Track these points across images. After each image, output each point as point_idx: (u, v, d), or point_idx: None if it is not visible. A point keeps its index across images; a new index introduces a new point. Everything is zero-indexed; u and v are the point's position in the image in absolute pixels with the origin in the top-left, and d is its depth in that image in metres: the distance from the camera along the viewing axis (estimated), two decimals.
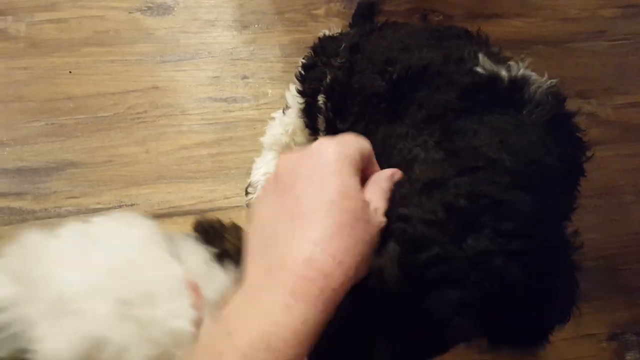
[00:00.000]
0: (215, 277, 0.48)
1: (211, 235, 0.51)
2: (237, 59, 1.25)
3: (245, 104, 1.19)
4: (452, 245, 0.39)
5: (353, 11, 1.01)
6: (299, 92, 0.89)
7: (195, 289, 0.45)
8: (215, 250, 0.50)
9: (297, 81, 0.90)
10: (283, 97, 1.15)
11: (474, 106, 0.51)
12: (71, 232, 0.47)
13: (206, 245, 0.50)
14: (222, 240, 0.51)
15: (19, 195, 1.04)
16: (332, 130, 0.81)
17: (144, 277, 0.44)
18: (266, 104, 1.19)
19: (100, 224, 0.48)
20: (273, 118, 1.08)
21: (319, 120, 0.85)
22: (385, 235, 0.40)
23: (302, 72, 0.89)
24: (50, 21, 1.24)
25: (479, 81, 0.54)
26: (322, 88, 0.82)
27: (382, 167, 0.44)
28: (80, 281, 0.42)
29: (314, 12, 1.35)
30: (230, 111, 1.18)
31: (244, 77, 1.23)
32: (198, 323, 0.43)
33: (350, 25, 1.00)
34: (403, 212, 0.41)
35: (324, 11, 1.35)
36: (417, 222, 0.40)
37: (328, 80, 0.80)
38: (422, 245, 0.39)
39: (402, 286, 0.40)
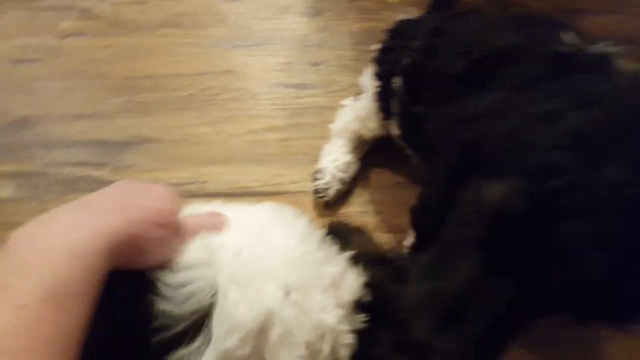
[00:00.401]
0: (349, 278, 0.55)
1: (340, 237, 0.59)
2: (309, 46, 1.33)
3: (315, 91, 1.26)
4: (584, 173, 0.38)
5: (428, 1, 1.06)
6: (376, 74, 0.95)
7: (337, 288, 0.53)
8: (348, 252, 0.57)
9: (373, 64, 0.96)
10: (352, 85, 1.21)
11: (559, 73, 0.53)
12: (243, 212, 0.57)
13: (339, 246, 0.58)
14: (349, 243, 0.58)
15: (99, 165, 1.16)
16: (406, 113, 0.87)
17: (305, 269, 0.52)
18: (335, 91, 1.26)
19: (269, 212, 0.58)
20: (343, 105, 1.14)
21: (393, 103, 0.90)
22: (492, 165, 0.41)
23: (380, 55, 0.95)
24: (131, 2, 1.37)
25: (564, 53, 0.56)
26: (398, 70, 0.88)
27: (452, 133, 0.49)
28: (258, 260, 0.51)
29: (388, 0, 1.41)
30: (300, 97, 1.26)
31: (315, 64, 1.30)
32: (341, 322, 0.51)
33: (428, 13, 1.05)
34: (524, 139, 0.41)
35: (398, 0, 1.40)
36: (543, 149, 0.39)
37: (406, 62, 0.86)
38: (552, 172, 0.38)
39: (530, 217, 0.39)
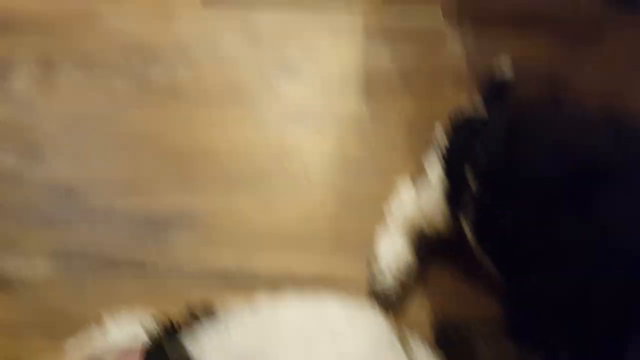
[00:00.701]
0: None
1: (455, 343, 0.47)
2: (361, 126, 1.29)
3: (369, 175, 1.22)
4: None
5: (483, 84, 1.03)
6: (444, 170, 0.89)
7: None
8: None
9: (439, 154, 0.91)
10: (407, 169, 1.17)
11: None
12: (300, 311, 0.46)
13: (449, 354, 0.46)
14: (470, 351, 0.46)
15: (141, 243, 1.14)
16: (484, 214, 0.80)
17: None
18: (391, 175, 1.20)
19: (334, 307, 0.48)
20: (400, 192, 1.09)
21: (465, 198, 0.84)
22: None
23: (448, 149, 0.90)
24: (188, 72, 1.37)
25: None
26: (470, 166, 0.82)
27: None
28: None
29: (442, 80, 1.37)
30: (354, 181, 1.21)
31: (367, 145, 1.26)
32: None
33: (484, 101, 1.02)
34: None
35: (452, 80, 1.36)
36: None
37: (479, 158, 0.81)
38: None
39: None
